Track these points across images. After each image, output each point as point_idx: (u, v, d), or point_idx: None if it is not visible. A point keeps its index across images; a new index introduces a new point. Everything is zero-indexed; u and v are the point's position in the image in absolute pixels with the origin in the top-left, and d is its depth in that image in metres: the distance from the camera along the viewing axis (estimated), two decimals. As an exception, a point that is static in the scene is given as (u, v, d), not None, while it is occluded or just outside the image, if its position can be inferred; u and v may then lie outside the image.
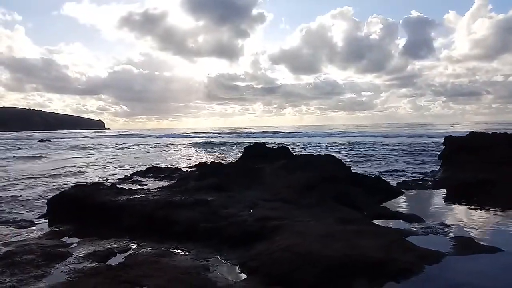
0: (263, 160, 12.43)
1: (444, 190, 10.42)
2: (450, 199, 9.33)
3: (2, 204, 9.44)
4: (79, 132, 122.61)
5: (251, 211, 6.97)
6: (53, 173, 16.11)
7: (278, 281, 4.41)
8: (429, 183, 11.47)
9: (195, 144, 42.02)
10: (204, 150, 34.73)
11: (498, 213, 7.79)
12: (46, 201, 8.72)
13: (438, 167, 14.09)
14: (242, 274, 4.82)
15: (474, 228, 6.69)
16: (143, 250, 5.71)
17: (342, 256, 4.63)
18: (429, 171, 14.45)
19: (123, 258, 5.37)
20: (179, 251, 5.67)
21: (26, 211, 8.78)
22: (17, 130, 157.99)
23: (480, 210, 8.04)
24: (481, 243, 5.66)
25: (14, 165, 21.51)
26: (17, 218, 8.06)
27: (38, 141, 54.84)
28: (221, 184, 9.07)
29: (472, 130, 15.00)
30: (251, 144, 16.12)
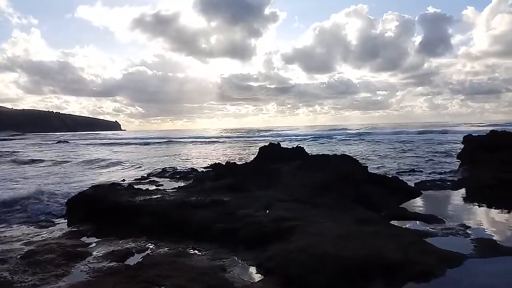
0: (278, 160, 12.39)
1: (463, 191, 10.18)
2: (470, 199, 9.10)
3: (23, 204, 9.66)
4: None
5: (267, 211, 6.95)
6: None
7: (294, 282, 4.39)
8: (448, 183, 11.21)
9: None
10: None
11: (520, 214, 7.58)
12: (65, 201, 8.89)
13: (457, 167, 13.82)
14: (259, 274, 4.81)
15: (496, 230, 6.52)
16: (160, 250, 5.76)
17: (359, 257, 4.57)
18: (447, 171, 14.16)
19: (141, 258, 5.43)
20: (196, 251, 5.70)
21: (46, 211, 8.98)
22: (36, 132, 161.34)
23: (502, 211, 7.83)
24: (503, 245, 5.50)
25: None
26: (37, 218, 8.25)
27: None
28: (237, 184, 9.06)
29: (492, 129, 14.62)
30: (266, 145, 16.07)
